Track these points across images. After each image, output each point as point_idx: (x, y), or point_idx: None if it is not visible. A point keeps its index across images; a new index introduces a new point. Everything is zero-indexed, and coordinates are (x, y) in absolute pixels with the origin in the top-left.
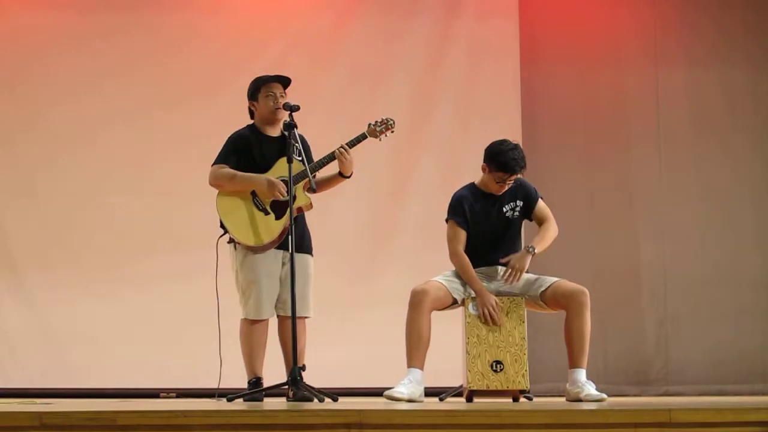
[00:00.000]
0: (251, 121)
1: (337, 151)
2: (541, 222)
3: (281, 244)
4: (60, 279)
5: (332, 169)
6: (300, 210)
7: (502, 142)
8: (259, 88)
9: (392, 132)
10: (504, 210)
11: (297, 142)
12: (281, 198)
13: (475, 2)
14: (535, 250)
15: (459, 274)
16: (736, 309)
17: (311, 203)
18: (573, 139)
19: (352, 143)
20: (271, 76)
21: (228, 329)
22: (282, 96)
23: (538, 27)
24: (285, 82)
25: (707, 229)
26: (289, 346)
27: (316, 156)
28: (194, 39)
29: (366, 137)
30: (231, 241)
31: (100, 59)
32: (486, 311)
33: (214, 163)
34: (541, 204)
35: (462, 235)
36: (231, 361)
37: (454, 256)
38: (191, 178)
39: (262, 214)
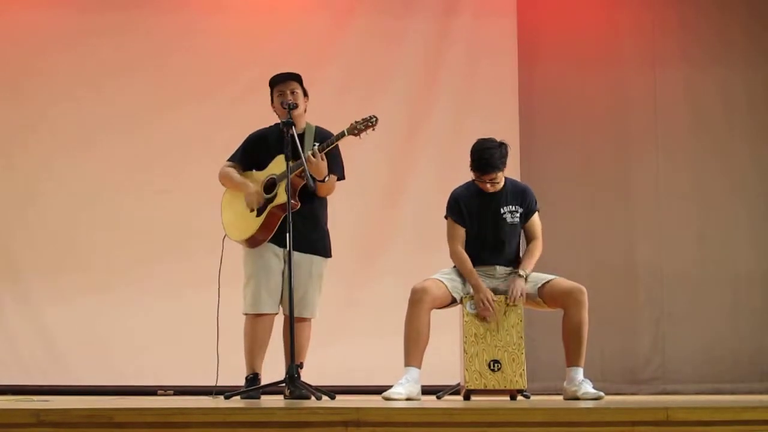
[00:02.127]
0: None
1: (306, 155)
2: (530, 237)
3: (285, 242)
4: (59, 277)
5: None
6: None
7: (484, 141)
8: (272, 90)
9: (373, 130)
10: (502, 211)
11: (312, 139)
12: (251, 209)
13: (474, 2)
14: (527, 274)
15: (458, 272)
16: (733, 308)
17: (288, 202)
18: (571, 138)
19: (328, 144)
20: (279, 75)
21: (228, 327)
22: (294, 93)
23: (537, 27)
24: (296, 78)
25: (704, 228)
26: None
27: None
28: (193, 39)
29: (345, 135)
30: None
31: (100, 58)
32: (481, 306)
33: (226, 160)
34: (536, 218)
35: (460, 232)
36: (229, 358)
37: (453, 253)
38: (190, 177)
39: (247, 211)
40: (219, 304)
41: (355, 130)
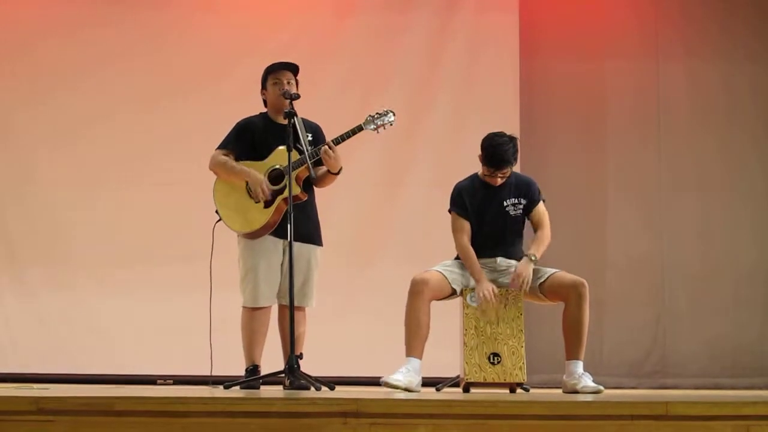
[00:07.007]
0: (265, 110)
1: (321, 149)
2: (536, 226)
3: (284, 233)
4: (58, 265)
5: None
6: (295, 199)
7: (495, 136)
8: (267, 76)
9: (391, 125)
10: (504, 204)
11: (303, 131)
12: (257, 200)
13: None
14: (537, 258)
15: (458, 264)
16: (734, 303)
17: (302, 192)
18: (572, 132)
19: (343, 137)
20: (278, 64)
21: (228, 317)
22: (290, 83)
23: (538, 20)
24: (293, 69)
25: (705, 223)
26: (287, 335)
27: None
28: (194, 31)
29: (362, 129)
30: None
31: (100, 50)
32: (482, 298)
33: (217, 148)
34: (540, 207)
35: (465, 225)
36: (229, 348)
37: (458, 246)
38: (190, 168)
39: (252, 201)
40: (212, 291)
41: (372, 124)
